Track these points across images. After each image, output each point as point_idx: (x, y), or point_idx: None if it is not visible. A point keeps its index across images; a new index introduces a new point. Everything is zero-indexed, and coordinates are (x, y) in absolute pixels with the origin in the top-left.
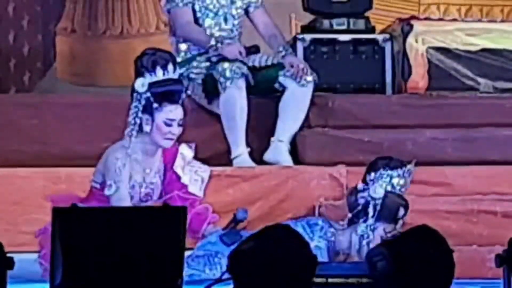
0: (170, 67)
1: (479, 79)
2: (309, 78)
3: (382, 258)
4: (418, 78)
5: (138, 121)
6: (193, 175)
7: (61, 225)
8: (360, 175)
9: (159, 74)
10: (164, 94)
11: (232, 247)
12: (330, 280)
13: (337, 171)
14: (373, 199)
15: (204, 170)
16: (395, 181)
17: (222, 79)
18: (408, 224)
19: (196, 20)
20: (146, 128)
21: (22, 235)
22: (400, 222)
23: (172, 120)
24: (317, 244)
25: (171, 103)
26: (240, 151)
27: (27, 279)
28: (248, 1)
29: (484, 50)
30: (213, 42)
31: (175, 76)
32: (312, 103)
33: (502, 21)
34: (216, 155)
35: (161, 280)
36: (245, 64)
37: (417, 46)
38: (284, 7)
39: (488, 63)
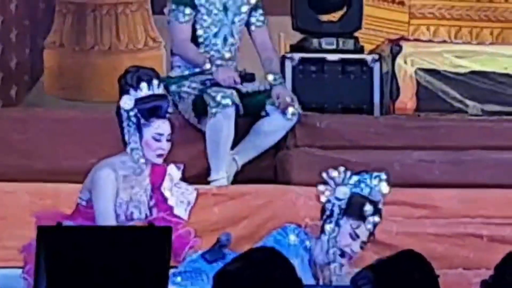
0: (155, 82)
1: (468, 102)
2: (294, 111)
3: (368, 282)
4: (406, 99)
5: (133, 137)
6: (179, 196)
7: (46, 243)
8: None
9: (144, 90)
10: (151, 109)
11: (214, 264)
12: None
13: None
14: (338, 199)
15: (191, 193)
16: (362, 185)
17: (212, 104)
18: (394, 247)
19: (195, 38)
20: (135, 145)
21: (7, 250)
22: (370, 220)
23: (161, 134)
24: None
25: (158, 118)
26: (219, 176)
27: None
28: (252, 18)
29: (473, 72)
30: (208, 65)
31: (160, 91)
32: (300, 122)
33: (491, 43)
34: (203, 172)
35: None
36: (238, 90)
37: (406, 67)
38: (273, 26)
39: (477, 85)
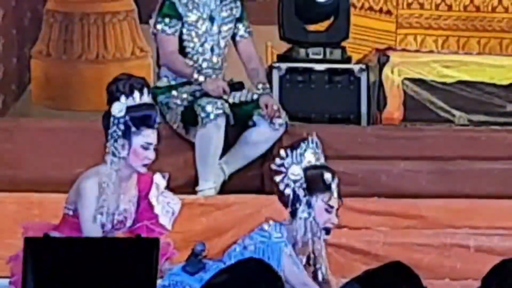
0: (145, 91)
1: (455, 112)
2: (281, 121)
3: None
4: (394, 109)
5: (117, 146)
6: (165, 206)
7: (33, 254)
8: None
9: (137, 99)
10: (142, 118)
11: (196, 276)
12: None
13: None
14: (295, 181)
15: (176, 203)
16: (307, 156)
17: (202, 114)
18: (381, 257)
19: (182, 49)
20: (123, 153)
21: None
22: (334, 187)
23: (150, 144)
24: (276, 242)
25: (148, 128)
26: (207, 186)
27: None
28: (238, 29)
29: (460, 82)
30: (196, 75)
31: (149, 101)
32: (287, 132)
33: (479, 53)
34: (190, 182)
35: None
36: (227, 101)
37: (393, 77)
38: (260, 35)
39: (464, 95)
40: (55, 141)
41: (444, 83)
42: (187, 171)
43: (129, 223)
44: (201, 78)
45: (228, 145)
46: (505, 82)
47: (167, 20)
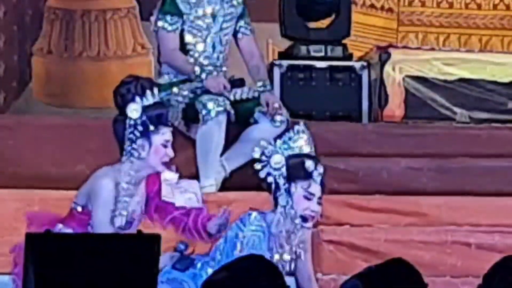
0: (155, 91)
1: (456, 109)
2: (282, 118)
3: None
4: (395, 106)
5: (137, 147)
6: (185, 195)
7: (34, 250)
8: (335, 203)
9: (150, 98)
10: (158, 116)
11: (187, 272)
12: None
13: None
14: (277, 169)
15: (193, 185)
16: (299, 142)
17: (204, 111)
18: (382, 254)
19: (183, 46)
20: (143, 153)
21: None
22: (316, 174)
23: (168, 141)
24: (254, 233)
25: (164, 126)
26: (208, 183)
27: None
28: (239, 26)
29: (461, 80)
30: (197, 71)
31: (159, 100)
32: (287, 130)
33: (480, 51)
34: (191, 179)
35: None
36: (228, 98)
37: (394, 75)
38: (261, 33)
39: (465, 93)
40: (56, 138)
41: (445, 81)
42: (188, 168)
43: (136, 225)
44: (203, 75)
45: (229, 142)
46: (507, 80)
47: (168, 17)
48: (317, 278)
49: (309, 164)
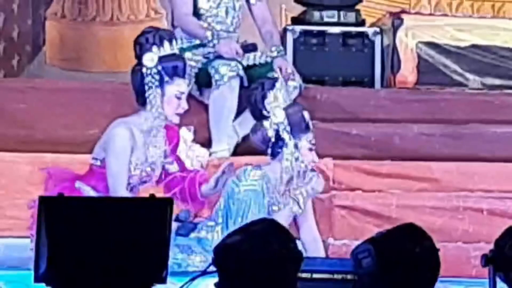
0: (174, 42)
1: (468, 75)
2: (295, 84)
3: (368, 255)
4: (407, 72)
5: (149, 96)
6: (194, 160)
7: (47, 213)
8: (348, 168)
9: (167, 49)
10: (174, 67)
11: (191, 236)
12: (315, 275)
13: (324, 164)
14: (278, 124)
15: (203, 155)
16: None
17: (217, 76)
18: (393, 219)
19: (196, 11)
20: (156, 102)
21: (7, 220)
22: (311, 125)
23: (182, 93)
24: (250, 187)
25: (180, 77)
26: (221, 148)
27: (9, 265)
28: None
29: (473, 46)
30: (209, 36)
31: (178, 52)
32: (300, 95)
33: (493, 17)
34: (204, 143)
35: (146, 271)
36: (241, 63)
37: (406, 41)
38: None
39: (478, 59)
40: (69, 102)
41: (457, 47)
42: (200, 133)
43: (155, 176)
44: (215, 40)
45: (242, 107)
46: None
47: None
48: (328, 243)
49: (306, 114)
